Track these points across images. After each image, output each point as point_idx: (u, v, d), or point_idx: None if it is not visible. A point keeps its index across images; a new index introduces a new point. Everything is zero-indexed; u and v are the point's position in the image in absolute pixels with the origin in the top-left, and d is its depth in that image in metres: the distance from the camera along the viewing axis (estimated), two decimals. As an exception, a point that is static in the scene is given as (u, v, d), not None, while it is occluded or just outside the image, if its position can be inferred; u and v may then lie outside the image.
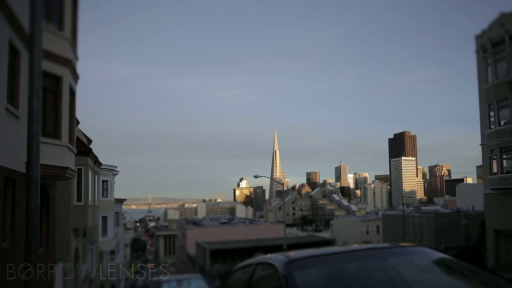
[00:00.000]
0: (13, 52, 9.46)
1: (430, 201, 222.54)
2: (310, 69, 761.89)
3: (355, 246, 4.46)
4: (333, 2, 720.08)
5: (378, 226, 63.32)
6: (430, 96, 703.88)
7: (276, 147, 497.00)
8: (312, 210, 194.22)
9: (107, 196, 32.37)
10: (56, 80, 11.37)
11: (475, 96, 28.32)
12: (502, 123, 25.10)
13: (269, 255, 3.97)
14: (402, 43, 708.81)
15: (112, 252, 38.05)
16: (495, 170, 25.70)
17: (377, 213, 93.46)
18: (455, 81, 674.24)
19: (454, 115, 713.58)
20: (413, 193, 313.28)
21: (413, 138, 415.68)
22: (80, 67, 13.36)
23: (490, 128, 25.95)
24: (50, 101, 11.24)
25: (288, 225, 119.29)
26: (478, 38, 27.65)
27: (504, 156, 25.29)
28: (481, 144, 27.47)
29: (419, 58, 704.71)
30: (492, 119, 25.91)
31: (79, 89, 13.61)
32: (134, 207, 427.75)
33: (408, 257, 3.64)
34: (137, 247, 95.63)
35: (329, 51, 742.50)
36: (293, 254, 3.71)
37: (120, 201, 44.73)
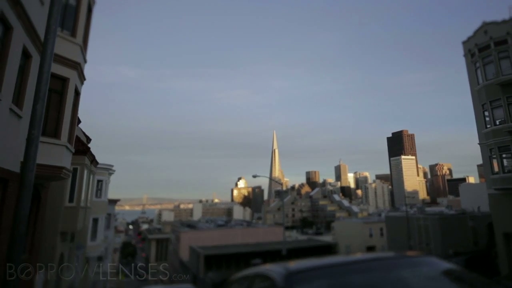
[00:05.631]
0: (25, 56, 9.97)
1: (433, 202, 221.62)
2: (310, 71, 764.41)
3: (359, 256, 4.05)
4: (333, 7, 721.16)
5: (381, 229, 61.81)
6: (428, 97, 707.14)
7: (275, 146, 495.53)
8: (312, 212, 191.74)
9: (100, 197, 31.20)
10: (63, 81, 11.87)
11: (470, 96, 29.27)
12: (497, 122, 25.46)
13: (267, 266, 3.73)
14: (400, 44, 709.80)
15: (99, 258, 36.16)
16: (496, 169, 25.49)
17: (379, 215, 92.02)
18: (452, 81, 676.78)
19: (452, 114, 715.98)
20: (415, 193, 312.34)
21: (411, 137, 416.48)
22: (87, 69, 13.89)
23: (486, 127, 26.31)
24: (55, 101, 11.66)
25: (287, 228, 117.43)
26: (465, 43, 29.14)
27: (504, 155, 25.16)
28: (479, 143, 27.39)
29: (417, 60, 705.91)
30: (487, 118, 26.33)
31: (83, 89, 14.02)
32: (127, 207, 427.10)
33: (416, 269, 3.45)
34: (127, 252, 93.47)
35: (329, 53, 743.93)
36: (293, 265, 3.53)
37: (113, 202, 43.35)
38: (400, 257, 3.87)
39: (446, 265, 3.52)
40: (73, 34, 12.47)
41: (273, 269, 3.46)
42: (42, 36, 9.65)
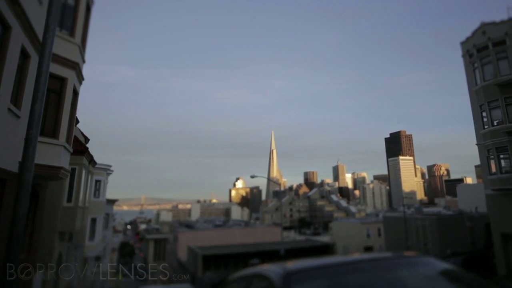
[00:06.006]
0: (24, 56, 9.98)
1: (431, 202, 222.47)
2: (308, 71, 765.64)
3: (357, 256, 4.08)
4: (332, 7, 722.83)
5: (379, 229, 62.01)
6: (425, 97, 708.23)
7: (273, 147, 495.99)
8: (310, 212, 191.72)
9: (99, 197, 31.14)
10: (61, 81, 11.86)
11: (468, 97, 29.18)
12: (495, 123, 25.38)
13: (265, 267, 3.75)
14: (399, 45, 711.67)
15: (97, 258, 36.13)
16: (494, 170, 25.47)
17: (377, 215, 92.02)
18: (450, 81, 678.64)
19: (449, 115, 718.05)
20: (413, 193, 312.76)
21: (409, 137, 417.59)
22: (86, 69, 14.01)
23: (484, 128, 26.22)
24: (53, 101, 11.65)
25: (285, 228, 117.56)
26: (463, 44, 29.07)
27: (501, 156, 25.12)
28: (477, 144, 27.40)
29: (415, 60, 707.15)
30: (485, 119, 26.27)
31: (82, 89, 13.98)
32: (125, 208, 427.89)
33: (413, 269, 3.48)
34: (125, 252, 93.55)
35: (327, 53, 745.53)
36: (291, 265, 3.54)
37: (112, 202, 43.35)
38: (398, 257, 3.88)
39: (443, 265, 3.53)
40: (72, 34, 12.47)
41: (271, 269, 3.46)
42: (40, 36, 9.49)
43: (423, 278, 3.37)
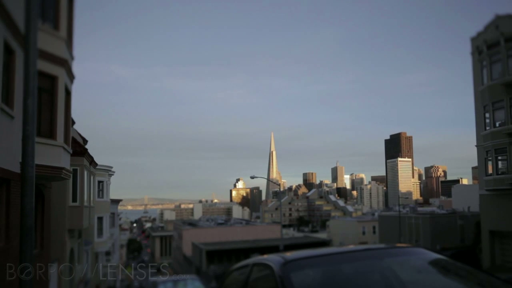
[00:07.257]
0: (8, 52, 9.35)
1: (426, 202, 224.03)
2: (308, 71, 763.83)
3: (351, 247, 4.35)
4: (332, 4, 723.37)
5: (374, 227, 63.74)
6: (426, 98, 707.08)
7: (272, 148, 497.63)
8: (308, 211, 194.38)
9: (102, 197, 32.31)
10: (52, 80, 11.30)
11: (470, 98, 28.33)
12: (497, 124, 25.14)
13: (265, 256, 3.93)
14: (399, 45, 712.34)
15: (107, 253, 38.21)
16: (490, 171, 25.76)
17: (373, 214, 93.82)
18: (451, 83, 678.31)
19: (450, 117, 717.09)
20: (409, 194, 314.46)
21: (409, 139, 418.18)
22: (78, 68, 13.80)
23: (485, 129, 25.97)
24: (45, 101, 11.16)
25: (284, 226, 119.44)
26: (473, 40, 27.64)
27: (499, 157, 25.23)
28: (476, 146, 27.66)
29: (415, 60, 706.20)
30: (487, 120, 25.90)
31: (76, 89, 13.56)
32: (130, 207, 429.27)
33: (404, 258, 3.66)
34: (133, 248, 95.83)
35: (327, 53, 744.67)
36: (290, 255, 3.67)
37: (116, 202, 44.88)
38: (390, 247, 4.16)
39: (433, 255, 3.68)
40: (56, 27, 11.55)
41: (271, 258, 3.61)
42: (22, 30, 8.26)
43: (414, 266, 3.55)
